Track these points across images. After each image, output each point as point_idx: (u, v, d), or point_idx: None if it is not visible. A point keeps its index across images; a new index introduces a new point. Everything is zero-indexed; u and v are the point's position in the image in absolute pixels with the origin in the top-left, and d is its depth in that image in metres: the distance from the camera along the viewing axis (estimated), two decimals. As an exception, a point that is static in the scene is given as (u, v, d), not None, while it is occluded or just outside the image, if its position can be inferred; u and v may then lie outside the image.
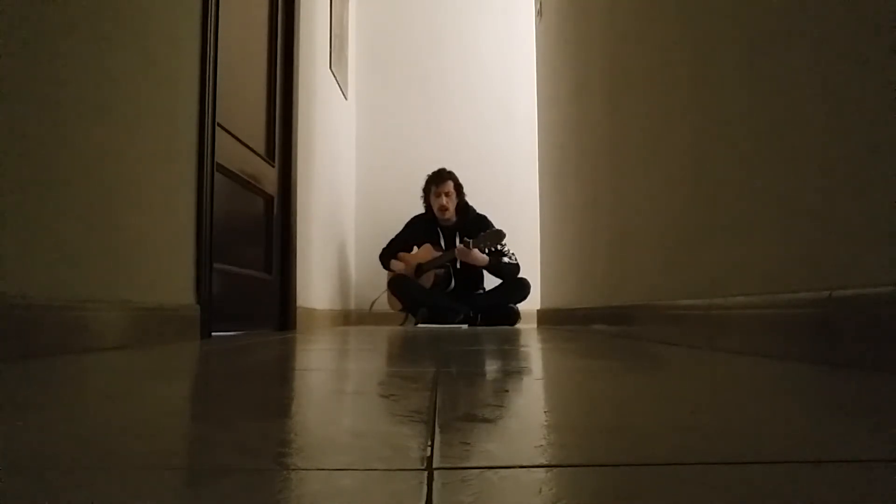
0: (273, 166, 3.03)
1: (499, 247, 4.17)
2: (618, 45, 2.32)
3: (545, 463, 0.41)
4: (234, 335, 2.31)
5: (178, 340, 1.83)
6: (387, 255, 4.51)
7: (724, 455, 0.43)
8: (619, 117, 2.31)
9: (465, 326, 3.89)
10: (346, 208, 4.92)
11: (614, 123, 2.36)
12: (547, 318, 3.78)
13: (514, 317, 4.23)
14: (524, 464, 0.41)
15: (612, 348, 1.55)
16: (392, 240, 4.55)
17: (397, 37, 5.42)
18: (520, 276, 4.26)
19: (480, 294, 4.36)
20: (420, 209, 4.54)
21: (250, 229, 2.80)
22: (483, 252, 4.14)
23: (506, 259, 4.21)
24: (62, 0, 1.33)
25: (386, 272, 4.54)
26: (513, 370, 1.04)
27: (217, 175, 2.21)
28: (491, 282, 4.39)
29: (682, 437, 0.49)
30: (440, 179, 4.35)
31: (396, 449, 0.44)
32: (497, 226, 4.35)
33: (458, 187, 4.39)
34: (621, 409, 0.64)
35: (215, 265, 2.19)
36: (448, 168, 4.46)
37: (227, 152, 2.41)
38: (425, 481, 0.36)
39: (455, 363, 1.15)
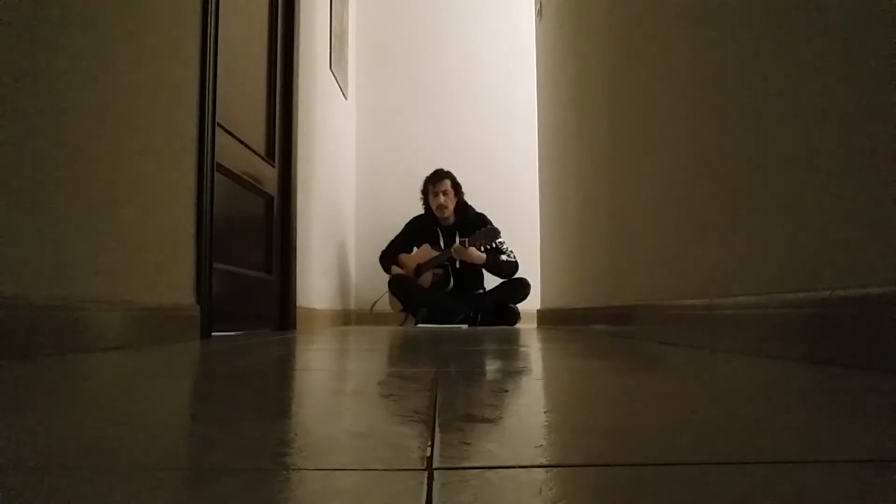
0: (273, 166, 3.03)
1: (496, 244, 4.18)
2: (618, 45, 2.32)
3: (545, 463, 0.41)
4: (234, 335, 2.31)
5: (178, 340, 1.83)
6: (387, 258, 4.51)
7: (724, 455, 0.43)
8: (619, 117, 2.31)
9: (464, 326, 3.89)
10: (346, 208, 4.92)
11: (614, 123, 2.36)
12: (547, 318, 3.78)
13: (514, 317, 4.23)
14: (524, 464, 0.40)
15: (612, 348, 1.55)
16: (391, 241, 4.55)
17: (397, 37, 5.42)
18: (519, 275, 4.26)
19: (480, 294, 4.36)
20: (420, 209, 4.55)
21: (250, 229, 2.80)
22: (479, 250, 4.15)
23: (504, 257, 4.22)
24: (61, 1, 1.33)
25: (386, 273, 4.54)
26: (513, 370, 1.04)
27: (217, 175, 2.21)
28: (491, 282, 4.39)
29: (682, 437, 0.49)
30: (437, 179, 4.36)
31: (396, 449, 0.44)
32: (497, 225, 4.35)
33: (456, 186, 4.39)
34: (621, 409, 0.64)
35: (215, 265, 2.19)
36: (448, 168, 4.47)
37: (227, 152, 2.41)
38: (425, 481, 0.36)
39: (455, 363, 1.15)
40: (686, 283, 1.66)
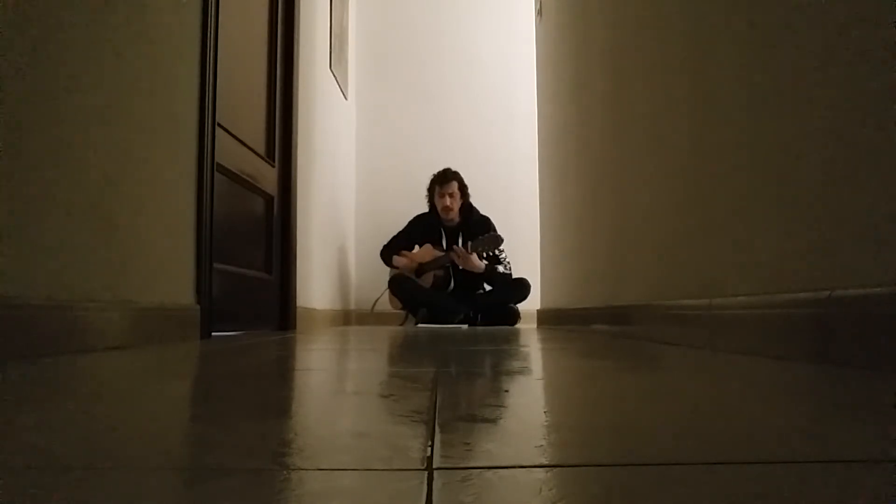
0: (273, 166, 3.03)
1: (496, 252, 4.18)
2: (617, 45, 2.32)
3: (545, 463, 0.41)
4: (234, 335, 2.31)
5: (178, 340, 1.83)
6: (388, 252, 4.50)
7: (724, 455, 0.43)
8: (618, 117, 2.31)
9: (464, 326, 3.88)
10: (346, 208, 4.92)
11: (614, 123, 2.36)
12: (547, 318, 3.78)
13: (514, 317, 4.23)
14: (524, 464, 0.40)
15: (612, 348, 1.55)
16: (394, 237, 4.54)
17: (397, 37, 5.42)
18: (519, 276, 4.27)
19: (480, 294, 4.36)
20: (421, 208, 4.54)
21: (250, 229, 2.80)
22: (481, 256, 4.15)
23: (500, 268, 4.23)
24: (62, 1, 1.33)
25: (387, 271, 4.54)
26: (513, 370, 1.04)
27: (217, 175, 2.21)
28: (491, 282, 4.39)
29: (682, 437, 0.49)
30: (445, 179, 4.34)
31: (396, 449, 0.44)
32: (497, 226, 4.35)
33: (463, 188, 4.38)
34: (621, 409, 0.64)
35: (215, 265, 2.19)
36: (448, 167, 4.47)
37: (227, 152, 2.41)
38: (425, 481, 0.36)
39: (455, 363, 1.15)
40: (686, 283, 1.66)
